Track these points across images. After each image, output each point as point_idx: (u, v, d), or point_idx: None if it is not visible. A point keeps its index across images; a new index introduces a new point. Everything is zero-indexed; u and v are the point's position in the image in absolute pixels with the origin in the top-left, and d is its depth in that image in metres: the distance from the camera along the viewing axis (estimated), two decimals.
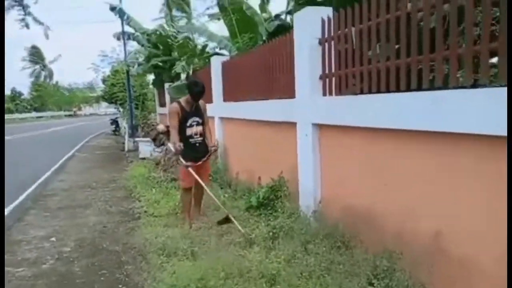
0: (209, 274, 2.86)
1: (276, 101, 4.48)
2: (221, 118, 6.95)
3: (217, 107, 6.96)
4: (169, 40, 13.41)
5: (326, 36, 3.42)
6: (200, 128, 4.24)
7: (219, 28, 10.70)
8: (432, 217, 2.41)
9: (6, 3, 30.49)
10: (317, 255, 2.87)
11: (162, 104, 14.81)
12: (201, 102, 4.27)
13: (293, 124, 3.97)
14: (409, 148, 2.55)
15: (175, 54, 13.32)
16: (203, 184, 4.20)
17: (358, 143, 3.08)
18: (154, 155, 8.20)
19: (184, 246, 3.48)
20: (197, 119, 4.21)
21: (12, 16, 31.48)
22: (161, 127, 4.21)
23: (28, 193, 6.62)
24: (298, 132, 3.86)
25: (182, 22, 16.66)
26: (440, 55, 2.31)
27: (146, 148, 9.53)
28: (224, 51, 9.22)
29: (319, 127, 3.57)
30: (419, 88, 2.47)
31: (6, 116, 41.01)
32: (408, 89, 2.56)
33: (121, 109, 18.27)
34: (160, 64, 13.18)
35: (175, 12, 16.55)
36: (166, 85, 13.52)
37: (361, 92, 3.00)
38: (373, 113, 2.77)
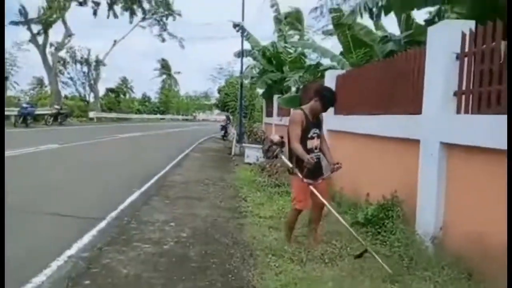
0: (316, 282, 2.86)
1: (396, 116, 4.29)
2: (330, 131, 6.92)
3: (326, 120, 6.94)
4: (281, 55, 13.99)
5: (466, 50, 3.17)
6: (318, 142, 3.78)
7: (332, 45, 10.73)
8: None
9: (148, 21, 35.96)
10: (437, 283, 2.64)
11: (269, 114, 15.45)
12: (321, 114, 3.89)
13: (415, 142, 3.75)
14: None
15: (286, 68, 13.82)
16: (328, 205, 3.68)
17: (497, 168, 2.75)
18: (260, 160, 8.58)
19: (291, 250, 3.54)
20: (317, 131, 3.77)
21: (152, 32, 36.72)
22: (276, 138, 3.76)
23: (152, 183, 7.51)
24: (421, 150, 3.62)
25: (295, 40, 17.21)
26: None
27: (252, 153, 10.03)
28: (336, 67, 9.23)
29: (448, 146, 3.30)
30: None
31: (137, 116, 47.64)
32: None
33: (231, 117, 19.56)
34: (272, 78, 13.77)
35: (288, 32, 17.15)
36: (275, 96, 14.08)
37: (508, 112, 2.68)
38: None
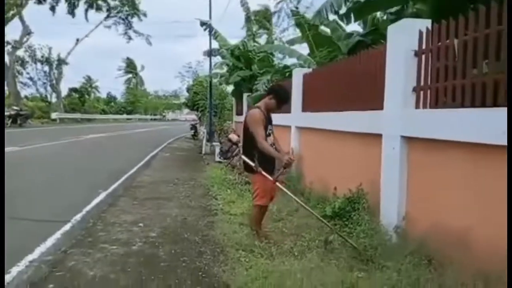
0: (286, 274, 2.91)
1: (359, 112, 4.43)
2: (298, 128, 7.05)
3: (295, 117, 7.08)
4: (250, 54, 14.07)
5: (423, 47, 3.32)
6: (272, 138, 3.92)
7: (300, 45, 10.91)
8: None
9: (113, 20, 34.90)
10: (400, 271, 2.76)
11: (239, 113, 15.48)
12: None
13: (378, 136, 3.89)
14: None
15: (255, 67, 13.90)
16: (297, 199, 3.97)
17: (454, 159, 2.92)
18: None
19: (261, 245, 3.58)
20: (271, 128, 3.93)
21: (118, 30, 35.70)
22: (234, 137, 3.62)
23: (119, 183, 7.33)
24: (384, 144, 3.77)
25: (263, 38, 17.36)
26: None
27: None
28: (304, 65, 9.40)
29: (409, 140, 3.45)
30: None
31: (103, 116, 46.14)
32: None
33: (200, 116, 19.41)
34: (241, 75, 13.81)
35: (257, 30, 17.25)
36: (245, 95, 14.13)
37: (462, 106, 2.85)
38: (476, 128, 2.61)
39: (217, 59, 17.13)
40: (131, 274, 3.22)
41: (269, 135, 3.86)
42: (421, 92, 3.35)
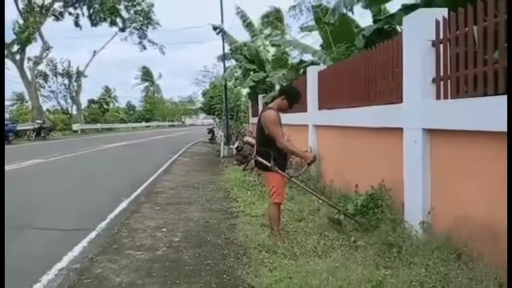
0: (311, 274, 2.88)
1: (378, 107, 4.35)
2: (316, 126, 7.00)
3: (311, 115, 7.03)
4: (261, 54, 14.07)
5: (441, 37, 3.24)
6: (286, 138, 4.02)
7: (312, 42, 10.86)
8: None
9: (128, 31, 35.60)
10: (428, 266, 2.69)
11: (255, 115, 15.52)
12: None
13: (398, 130, 3.81)
14: None
15: (269, 67, 13.89)
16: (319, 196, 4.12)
17: (478, 149, 2.83)
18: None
19: (284, 245, 3.56)
20: (283, 128, 4.03)
21: (133, 40, 36.45)
22: (252, 140, 3.54)
23: (141, 190, 7.44)
24: (405, 138, 3.68)
25: (276, 39, 17.31)
26: None
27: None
28: (318, 62, 9.33)
29: (431, 132, 3.36)
30: None
31: (122, 125, 47.14)
32: None
33: (217, 120, 19.52)
34: (255, 78, 13.84)
35: (269, 31, 17.25)
36: (260, 96, 14.15)
37: (485, 95, 2.75)
38: (499, 116, 2.51)
39: (230, 62, 17.22)
40: (157, 279, 3.26)
41: (283, 134, 3.96)
42: (441, 83, 3.26)
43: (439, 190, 3.31)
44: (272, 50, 14.97)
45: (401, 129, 3.75)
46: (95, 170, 10.60)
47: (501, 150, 2.60)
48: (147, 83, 66.68)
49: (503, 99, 2.52)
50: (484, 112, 2.70)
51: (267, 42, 15.11)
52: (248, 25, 15.24)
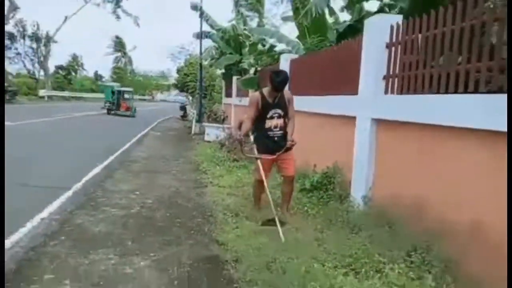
0: (266, 232, 3.43)
1: (338, 97, 4.91)
2: None
3: None
4: (240, 37, 14.33)
5: (393, 40, 3.80)
6: (281, 121, 3.98)
7: (290, 32, 11.26)
8: (472, 208, 2.71)
9: None
10: (360, 231, 3.30)
11: (228, 95, 15.87)
12: (287, 95, 4.07)
13: (352, 118, 4.39)
14: (464, 145, 2.83)
15: (245, 51, 14.20)
16: (264, 180, 3.88)
17: (413, 138, 3.44)
18: (220, 138, 9.04)
19: (247, 209, 4.09)
20: (279, 111, 3.96)
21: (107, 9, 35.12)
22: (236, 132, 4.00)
23: (114, 157, 7.73)
24: (357, 125, 4.27)
25: (254, 22, 17.54)
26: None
27: (212, 132, 10.47)
28: (291, 51, 9.78)
29: (378, 122, 3.96)
30: (475, 91, 2.76)
31: (91, 95, 45.59)
32: (465, 91, 2.87)
33: (190, 97, 19.66)
34: (230, 61, 14.11)
35: (247, 12, 17.40)
36: (234, 78, 14.47)
37: (422, 93, 3.35)
38: (433, 111, 3.10)
39: (208, 42, 17.33)
40: (132, 231, 3.69)
41: (272, 117, 3.96)
42: (390, 80, 3.84)
43: (380, 170, 3.94)
44: (251, 35, 15.26)
45: (355, 118, 4.34)
46: (67, 137, 10.66)
47: (428, 137, 3.21)
48: (119, 54, 64.32)
49: (433, 97, 3.12)
50: (414, 107, 3.30)
51: (246, 27, 15.36)
52: (237, 3, 15.35)
